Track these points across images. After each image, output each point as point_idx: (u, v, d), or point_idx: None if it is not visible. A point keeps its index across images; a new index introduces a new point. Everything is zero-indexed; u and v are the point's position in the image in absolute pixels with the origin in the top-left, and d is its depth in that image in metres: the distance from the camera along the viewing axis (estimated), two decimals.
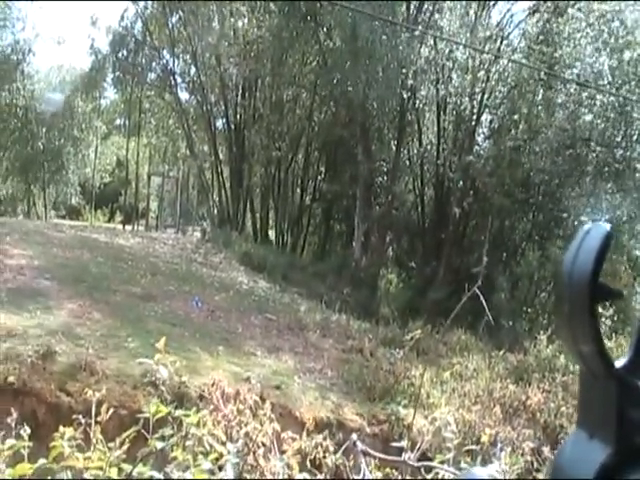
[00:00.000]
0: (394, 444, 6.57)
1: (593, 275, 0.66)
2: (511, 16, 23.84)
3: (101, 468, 3.64)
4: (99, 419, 4.00)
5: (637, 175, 22.36)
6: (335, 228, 29.10)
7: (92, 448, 3.79)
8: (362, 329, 15.59)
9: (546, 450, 7.87)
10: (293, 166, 28.18)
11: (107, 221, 38.54)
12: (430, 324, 15.45)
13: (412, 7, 22.52)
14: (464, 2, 22.90)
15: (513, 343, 16.28)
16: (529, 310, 19.86)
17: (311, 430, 6.08)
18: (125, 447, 3.74)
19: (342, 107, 24.73)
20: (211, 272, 18.17)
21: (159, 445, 3.85)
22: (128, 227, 30.93)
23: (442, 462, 5.31)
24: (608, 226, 0.68)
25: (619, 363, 0.68)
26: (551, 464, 0.74)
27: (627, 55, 21.75)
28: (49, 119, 35.72)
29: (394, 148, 24.71)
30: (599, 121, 22.09)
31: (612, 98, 21.89)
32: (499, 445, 9.32)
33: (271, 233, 28.21)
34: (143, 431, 3.91)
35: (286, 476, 4.56)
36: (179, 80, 30.71)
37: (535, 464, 9.31)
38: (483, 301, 6.45)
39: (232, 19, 27.40)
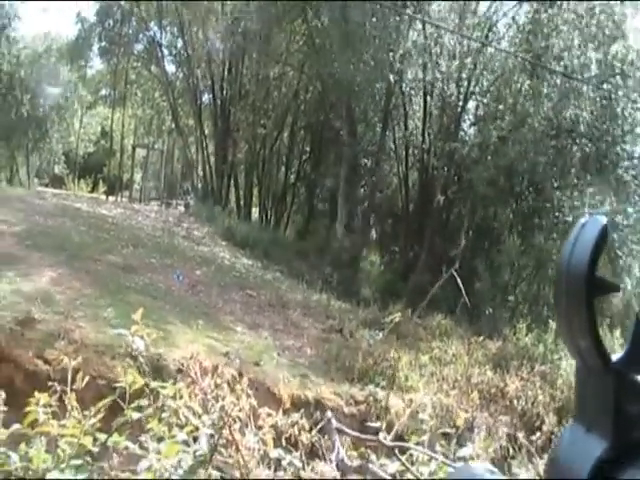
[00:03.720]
0: (370, 424, 6.60)
1: (590, 268, 0.66)
2: (500, 4, 23.82)
3: (75, 436, 3.61)
4: (75, 387, 3.97)
5: (619, 171, 22.45)
6: (318, 207, 29.06)
7: (67, 415, 3.76)
8: (342, 309, 15.59)
9: (521, 436, 7.92)
10: (278, 144, 28.10)
11: (90, 191, 38.24)
12: (410, 308, 15.49)
13: None
14: None
15: (493, 330, 16.32)
16: (510, 298, 19.94)
17: (288, 407, 6.08)
18: (100, 416, 3.72)
19: (328, 87, 24.63)
20: (193, 246, 18.10)
21: (135, 416, 3.83)
22: (111, 198, 30.76)
23: (417, 443, 5.33)
24: (604, 219, 0.68)
25: (616, 357, 0.68)
26: (548, 457, 0.74)
27: (614, 49, 21.79)
28: (34, 86, 35.39)
29: (379, 131, 24.69)
30: (585, 113, 22.11)
31: (598, 92, 21.93)
32: (476, 430, 9.40)
33: (254, 210, 28.15)
34: (120, 401, 3.88)
35: (261, 452, 4.56)
36: (166, 53, 30.54)
37: (510, 450, 9.39)
38: (460, 283, 6.49)
39: None
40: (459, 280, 6.25)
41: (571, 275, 0.66)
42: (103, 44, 32.38)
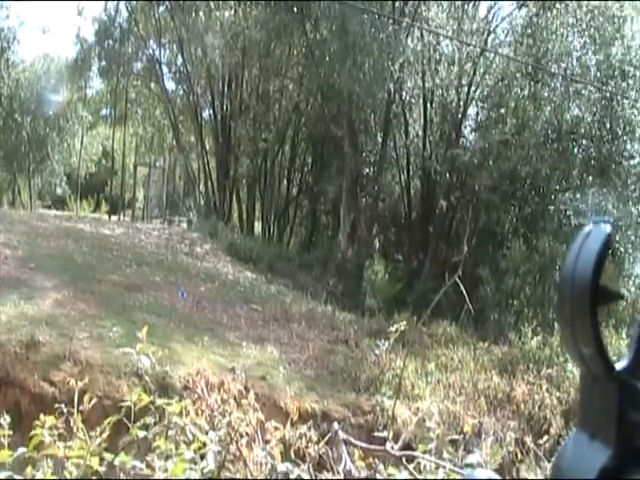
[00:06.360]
0: (377, 434, 6.60)
1: (594, 277, 0.66)
2: (498, 9, 23.86)
3: (82, 457, 3.62)
4: (82, 408, 3.98)
5: (621, 171, 22.39)
6: (321, 220, 29.07)
7: (74, 437, 3.77)
8: (348, 320, 15.57)
9: (528, 440, 7.90)
10: (279, 158, 28.11)
11: (93, 211, 38.30)
12: (416, 316, 15.44)
13: None
14: None
15: (498, 335, 16.30)
16: (514, 303, 19.88)
17: (295, 420, 6.08)
18: (106, 435, 3.73)
19: (329, 99, 24.65)
20: (197, 263, 18.12)
21: (141, 434, 3.84)
22: (114, 217, 30.80)
23: (425, 452, 5.32)
24: (608, 227, 0.69)
25: (620, 365, 0.69)
26: (553, 465, 0.74)
27: (613, 50, 21.78)
28: (34, 109, 35.47)
29: (380, 140, 24.70)
30: (585, 115, 22.12)
31: (598, 93, 21.93)
32: (483, 435, 9.38)
33: (257, 224, 28.15)
34: (125, 420, 3.89)
35: (269, 465, 4.55)
36: (165, 70, 30.59)
37: (519, 455, 9.37)
38: (463, 290, 6.47)
39: (218, 11, 27.31)
40: (462, 287, 6.22)
41: (575, 283, 0.67)
42: (103, 64, 32.48)
